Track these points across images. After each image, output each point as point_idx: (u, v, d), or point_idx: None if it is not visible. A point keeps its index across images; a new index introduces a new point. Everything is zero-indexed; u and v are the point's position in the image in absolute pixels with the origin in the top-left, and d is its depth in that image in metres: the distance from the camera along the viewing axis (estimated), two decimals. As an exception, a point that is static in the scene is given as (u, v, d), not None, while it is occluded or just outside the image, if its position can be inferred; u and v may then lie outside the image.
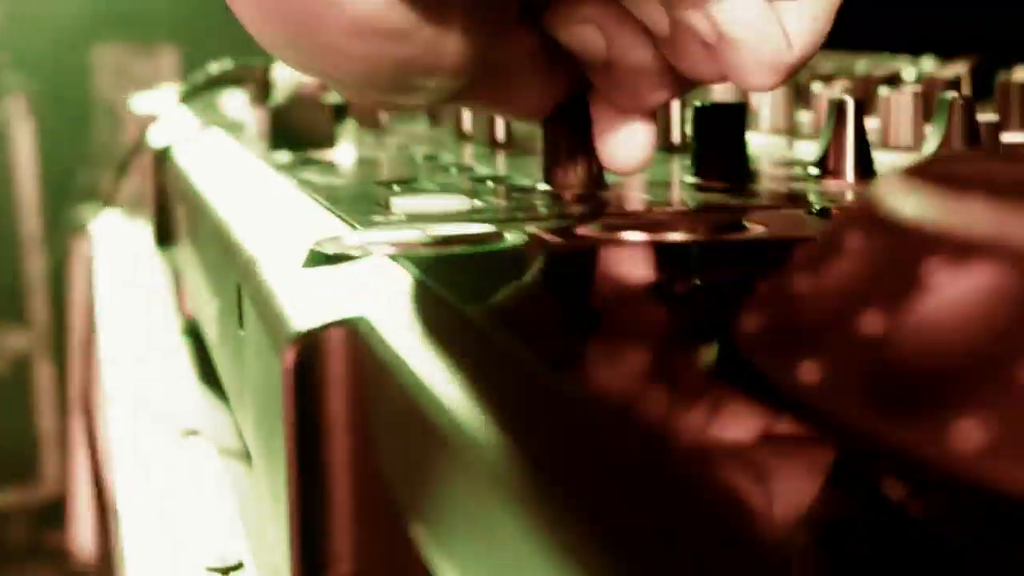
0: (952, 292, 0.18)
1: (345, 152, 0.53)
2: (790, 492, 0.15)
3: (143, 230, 0.81)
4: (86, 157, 1.53)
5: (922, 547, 0.15)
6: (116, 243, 0.93)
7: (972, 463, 0.16)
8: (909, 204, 0.21)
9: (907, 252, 0.20)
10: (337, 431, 0.26)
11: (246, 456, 0.38)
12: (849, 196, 0.38)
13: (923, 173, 0.22)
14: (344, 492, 0.26)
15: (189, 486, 0.48)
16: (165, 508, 0.48)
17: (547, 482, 0.17)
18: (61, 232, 1.36)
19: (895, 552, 0.14)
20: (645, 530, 0.15)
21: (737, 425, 0.18)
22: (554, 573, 0.15)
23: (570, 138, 0.38)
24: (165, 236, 0.66)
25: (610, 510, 0.16)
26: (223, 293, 0.42)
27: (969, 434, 0.16)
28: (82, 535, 0.90)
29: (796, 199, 0.38)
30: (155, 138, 0.71)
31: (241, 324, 0.35)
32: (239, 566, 0.40)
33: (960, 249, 0.19)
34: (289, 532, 0.26)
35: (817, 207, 0.35)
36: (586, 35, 0.35)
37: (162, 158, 0.65)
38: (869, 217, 0.22)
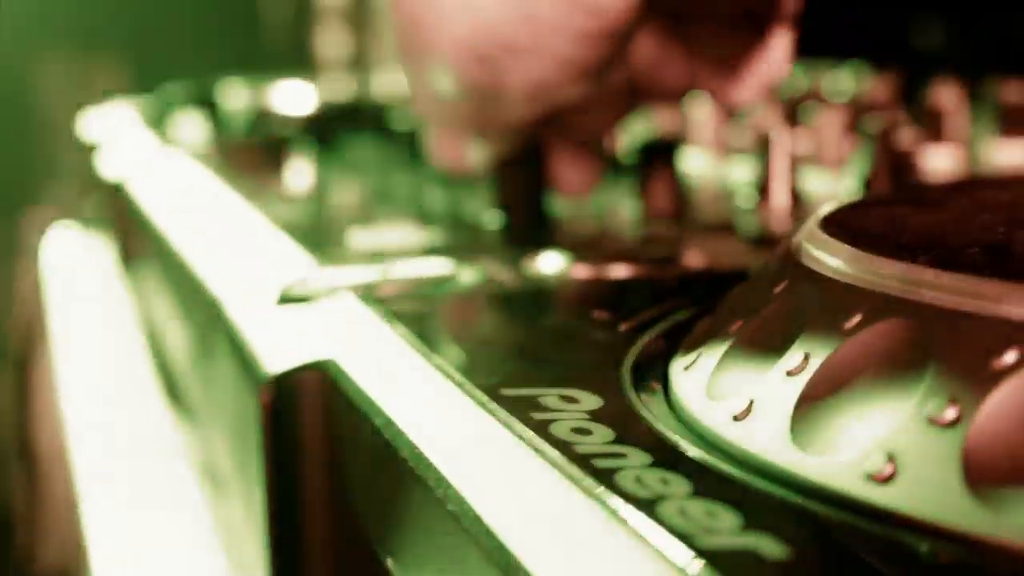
0: (861, 342, 0.21)
1: (301, 182, 0.55)
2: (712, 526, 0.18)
3: (102, 247, 0.82)
4: (38, 168, 1.53)
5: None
6: (75, 259, 0.93)
7: (878, 492, 0.18)
8: (826, 258, 0.23)
9: (825, 303, 0.22)
10: (312, 468, 0.28)
11: (218, 481, 0.40)
12: (780, 226, 0.40)
13: (839, 225, 0.25)
14: (319, 526, 0.28)
15: (160, 509, 0.49)
16: (135, 531, 0.49)
17: (506, 516, 0.20)
18: (14, 245, 1.36)
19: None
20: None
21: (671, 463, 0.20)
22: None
23: (523, 175, 0.40)
24: (128, 256, 0.67)
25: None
26: (191, 326, 0.43)
27: (874, 467, 0.19)
28: (42, 556, 0.91)
29: (732, 229, 0.40)
30: (113, 163, 0.73)
31: (211, 360, 0.37)
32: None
33: (869, 303, 0.21)
34: (266, 564, 0.28)
35: (751, 239, 0.38)
36: None
37: (122, 184, 0.66)
38: (791, 267, 0.24)
